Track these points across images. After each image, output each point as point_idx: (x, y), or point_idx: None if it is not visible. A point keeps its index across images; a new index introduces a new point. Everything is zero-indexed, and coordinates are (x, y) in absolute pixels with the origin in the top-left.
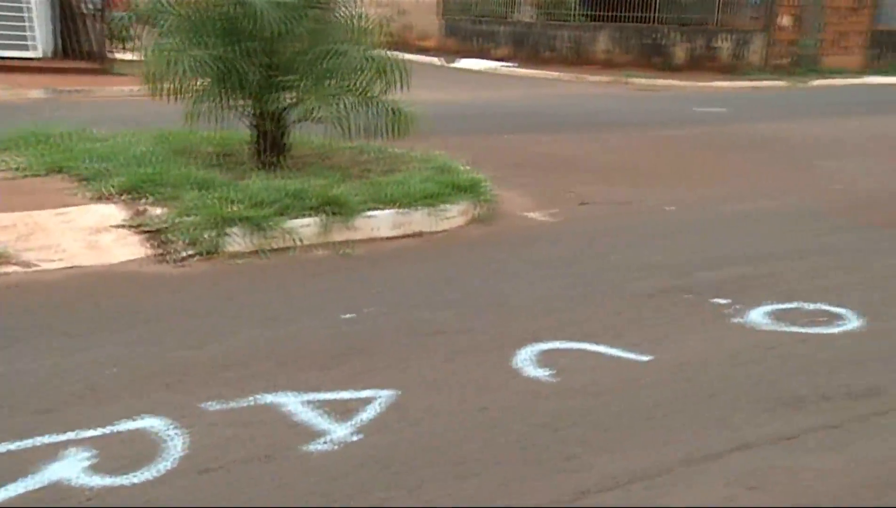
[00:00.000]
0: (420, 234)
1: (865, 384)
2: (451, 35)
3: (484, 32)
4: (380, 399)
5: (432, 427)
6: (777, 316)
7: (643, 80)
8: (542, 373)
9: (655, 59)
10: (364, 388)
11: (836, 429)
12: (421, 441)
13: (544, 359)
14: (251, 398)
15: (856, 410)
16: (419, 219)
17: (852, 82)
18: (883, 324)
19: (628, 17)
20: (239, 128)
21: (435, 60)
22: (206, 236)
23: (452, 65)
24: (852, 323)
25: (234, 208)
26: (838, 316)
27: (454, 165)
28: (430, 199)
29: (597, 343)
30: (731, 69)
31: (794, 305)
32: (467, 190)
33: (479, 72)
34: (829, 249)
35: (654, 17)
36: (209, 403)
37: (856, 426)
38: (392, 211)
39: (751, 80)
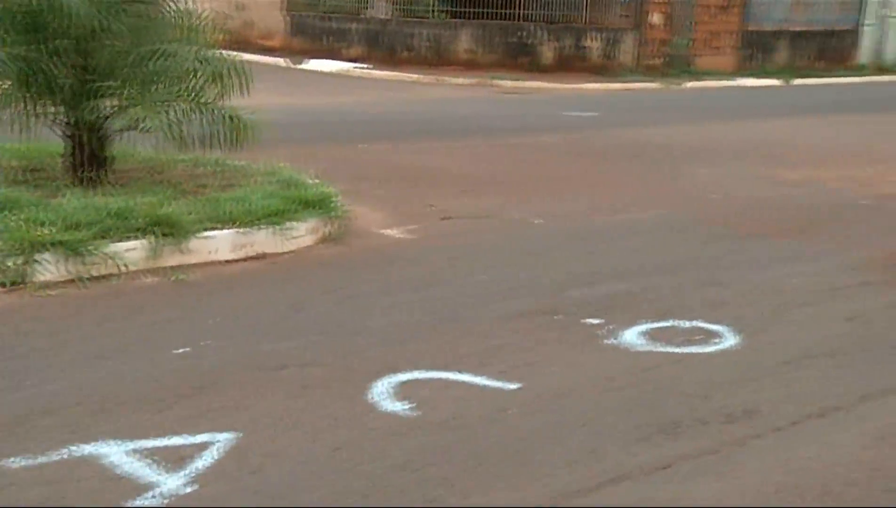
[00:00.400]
0: (264, 256)
1: (742, 405)
2: (297, 33)
3: (334, 30)
4: (217, 443)
5: (276, 472)
6: (652, 335)
7: (510, 82)
8: (400, 407)
9: (522, 60)
10: (199, 432)
11: (713, 455)
12: (263, 490)
13: (403, 391)
14: (64, 450)
15: (732, 433)
16: (262, 240)
17: (725, 84)
18: (758, 341)
19: (492, 13)
20: (50, 139)
21: (280, 61)
22: (10, 264)
23: (300, 66)
24: (728, 340)
25: (45, 231)
26: (714, 334)
27: (302, 178)
28: (275, 217)
29: (460, 371)
30: (602, 70)
31: (669, 323)
32: (316, 205)
33: (329, 74)
34: (705, 262)
35: (519, 13)
36: (12, 460)
37: (733, 450)
38: (231, 231)
39: (623, 81)
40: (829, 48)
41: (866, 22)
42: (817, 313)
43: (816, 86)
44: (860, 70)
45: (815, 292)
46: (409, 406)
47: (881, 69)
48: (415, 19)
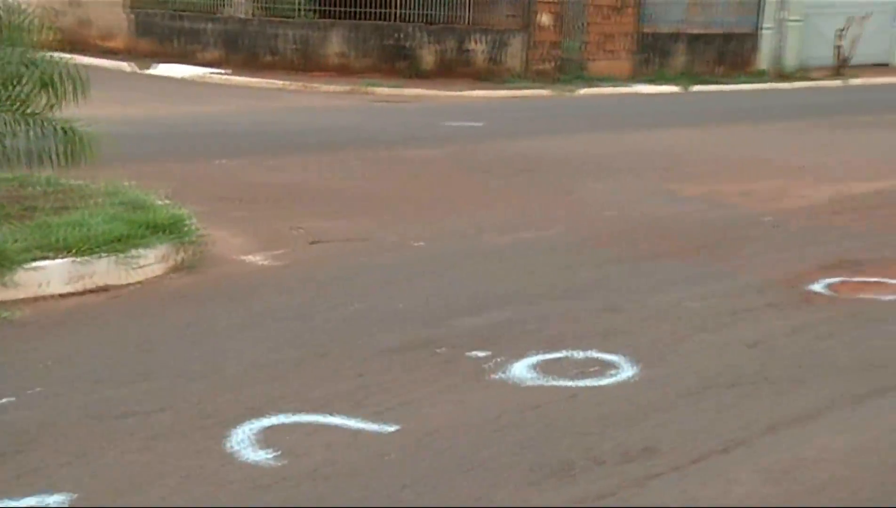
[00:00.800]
0: (105, 289)
1: (640, 442)
2: (144, 34)
3: (187, 31)
4: None
5: None
6: (543, 368)
7: (386, 90)
8: (263, 456)
9: (400, 64)
10: (27, 495)
11: (609, 497)
12: None
13: (267, 439)
14: None
15: (630, 473)
16: (104, 270)
17: (621, 91)
18: (657, 371)
19: (365, 13)
20: None
21: (124, 66)
22: None
23: (147, 71)
24: (625, 371)
25: None
26: (610, 365)
27: (150, 199)
28: (119, 243)
29: (332, 414)
30: (488, 75)
31: (562, 354)
32: (167, 230)
33: (182, 80)
34: (600, 285)
35: (395, 13)
36: None
37: (631, 491)
38: (66, 260)
39: (511, 88)
40: (729, 52)
41: (765, 25)
42: (719, 339)
43: (716, 93)
44: (760, 76)
45: (716, 317)
46: (274, 454)
47: (782, 75)
48: (279, 19)
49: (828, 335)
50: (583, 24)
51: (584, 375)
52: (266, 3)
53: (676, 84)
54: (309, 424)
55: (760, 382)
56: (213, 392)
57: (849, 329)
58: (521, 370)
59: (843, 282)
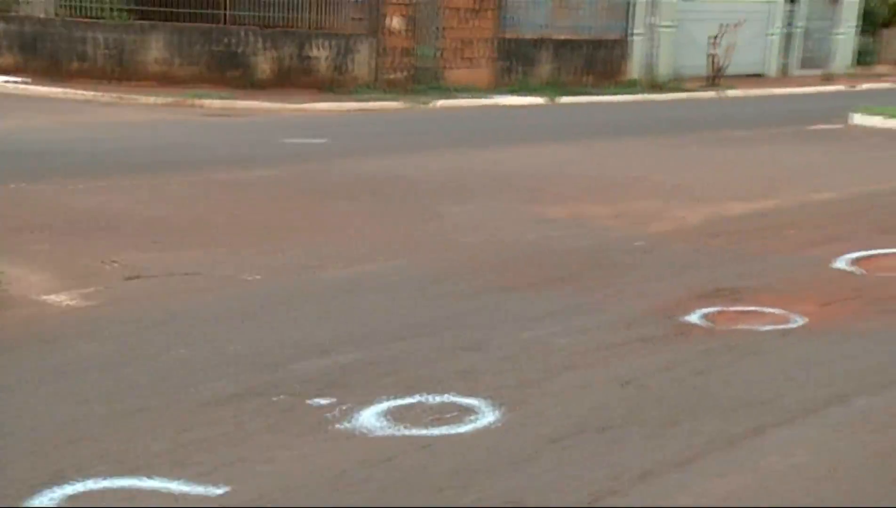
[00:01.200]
0: None
1: (503, 496)
2: None
3: None
4: None
5: None
6: (395, 415)
7: (217, 102)
8: None
9: (232, 73)
10: None
11: None
12: None
13: None
14: None
15: None
16: None
17: (482, 103)
18: (520, 415)
19: (190, 14)
20: None
21: None
22: None
23: None
24: (486, 417)
25: None
26: (469, 410)
27: None
28: None
29: (150, 476)
30: (333, 85)
31: (415, 399)
32: None
33: None
34: (458, 321)
35: (225, 15)
36: None
37: None
38: None
39: (358, 99)
40: (598, 60)
41: (635, 31)
42: (588, 378)
43: (585, 104)
44: (632, 86)
45: (585, 353)
46: None
47: (654, 85)
48: (87, 20)
49: (704, 370)
50: (438, 29)
51: (439, 422)
52: (71, 1)
53: (542, 95)
54: (123, 489)
55: (632, 424)
56: (7, 456)
57: (726, 363)
58: (370, 418)
59: (719, 312)
